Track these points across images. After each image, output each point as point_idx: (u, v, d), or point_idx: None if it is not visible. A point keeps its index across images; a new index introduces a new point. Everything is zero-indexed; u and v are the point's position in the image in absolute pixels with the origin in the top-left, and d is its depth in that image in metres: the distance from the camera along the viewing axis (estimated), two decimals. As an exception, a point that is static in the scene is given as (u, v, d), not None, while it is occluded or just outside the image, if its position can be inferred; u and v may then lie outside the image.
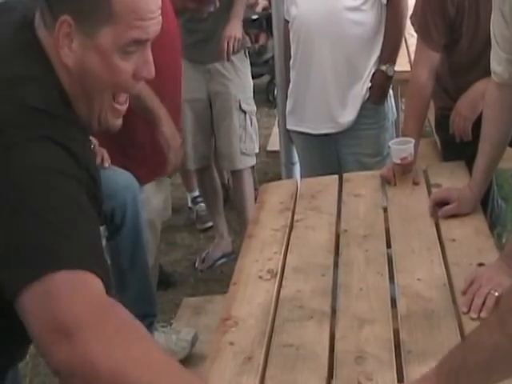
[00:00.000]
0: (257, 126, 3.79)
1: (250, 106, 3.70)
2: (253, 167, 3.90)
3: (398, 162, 2.43)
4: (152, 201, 2.83)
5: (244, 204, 3.77)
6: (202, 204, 4.21)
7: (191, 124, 3.59)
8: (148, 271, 2.64)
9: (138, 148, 2.74)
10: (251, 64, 3.84)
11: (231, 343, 1.71)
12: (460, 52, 2.59)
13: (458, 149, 2.62)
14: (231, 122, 3.64)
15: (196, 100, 3.58)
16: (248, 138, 3.69)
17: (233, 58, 3.56)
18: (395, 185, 2.44)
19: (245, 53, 3.70)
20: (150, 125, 2.61)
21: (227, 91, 3.60)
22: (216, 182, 3.94)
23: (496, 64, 2.10)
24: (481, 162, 2.19)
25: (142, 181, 2.71)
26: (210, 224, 4.16)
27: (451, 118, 2.63)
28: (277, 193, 2.58)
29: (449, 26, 2.53)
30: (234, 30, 3.49)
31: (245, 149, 3.69)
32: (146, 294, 2.61)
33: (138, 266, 2.58)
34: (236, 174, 3.79)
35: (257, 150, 3.82)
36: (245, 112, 3.66)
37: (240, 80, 3.65)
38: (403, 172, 2.45)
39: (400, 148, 2.44)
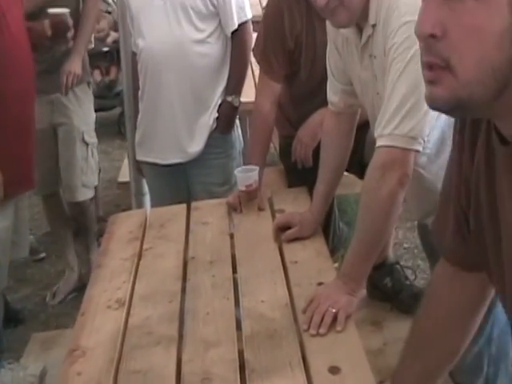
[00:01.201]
0: (97, 158, 3.82)
1: (93, 138, 3.72)
2: (92, 199, 3.91)
3: (244, 189, 2.51)
4: None
5: (87, 235, 3.83)
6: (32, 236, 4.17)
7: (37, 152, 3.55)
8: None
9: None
10: (103, 97, 3.85)
11: (79, 373, 1.70)
12: (300, 82, 2.72)
13: (301, 175, 2.74)
14: (74, 154, 3.64)
15: (40, 130, 3.52)
16: (89, 170, 3.72)
17: (76, 89, 3.57)
18: (241, 211, 2.51)
19: (88, 85, 3.73)
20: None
21: (71, 122, 3.60)
22: (63, 212, 3.89)
23: (332, 94, 2.23)
24: (320, 187, 2.30)
25: None
26: (42, 255, 4.20)
27: (293, 145, 2.75)
28: (126, 223, 2.59)
29: (288, 57, 2.66)
30: (73, 65, 3.49)
31: (86, 181, 3.72)
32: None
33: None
34: (77, 205, 3.78)
35: (96, 183, 3.87)
36: (87, 144, 3.67)
37: (83, 112, 3.67)
38: (249, 199, 2.53)
39: (245, 176, 2.52)
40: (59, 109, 3.58)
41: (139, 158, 3.20)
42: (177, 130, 3.02)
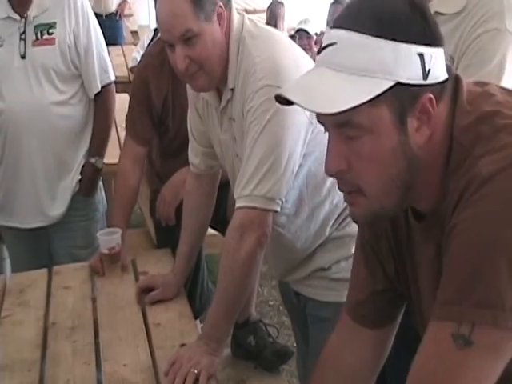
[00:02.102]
0: None
1: None
2: None
3: (106, 251, 2.50)
4: None
5: None
6: None
7: None
8: None
9: None
10: None
11: None
12: (168, 139, 2.77)
13: (168, 231, 2.74)
14: None
15: None
16: None
17: None
18: (103, 274, 2.49)
19: None
20: None
21: None
22: None
23: (194, 156, 2.27)
24: (182, 248, 2.32)
25: None
26: None
27: (157, 203, 2.76)
28: (-17, 290, 2.51)
29: (157, 120, 2.70)
30: None
31: None
32: None
33: None
34: None
35: None
36: None
37: None
38: (111, 261, 2.51)
39: (107, 238, 2.51)
40: None
41: (-1, 222, 3.11)
42: (38, 193, 2.97)
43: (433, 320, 1.12)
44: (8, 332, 2.18)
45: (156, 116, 2.72)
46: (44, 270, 2.62)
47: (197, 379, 1.79)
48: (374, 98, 1.09)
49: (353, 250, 2.06)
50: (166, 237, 2.77)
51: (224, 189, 2.39)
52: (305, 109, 1.13)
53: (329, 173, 1.18)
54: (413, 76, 1.11)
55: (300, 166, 1.92)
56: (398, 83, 1.10)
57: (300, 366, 2.45)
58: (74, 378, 1.88)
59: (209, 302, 2.97)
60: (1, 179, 3.03)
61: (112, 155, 3.31)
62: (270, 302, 3.85)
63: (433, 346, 1.12)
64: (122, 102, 3.27)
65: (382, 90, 1.09)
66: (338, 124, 1.14)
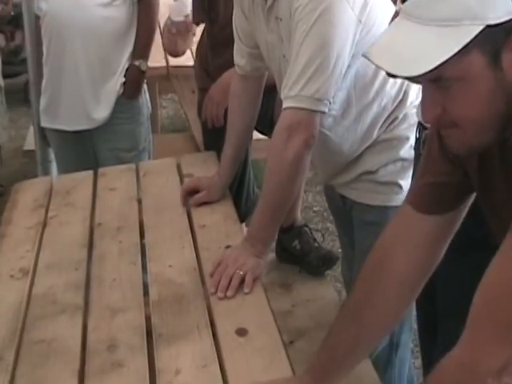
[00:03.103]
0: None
1: (2, 82, 3.91)
2: None
3: (181, 18, 2.46)
4: None
5: None
6: None
7: None
8: None
9: None
10: (8, 63, 3.85)
11: (-20, 346, 1.66)
12: (219, 27, 2.69)
13: (215, 134, 2.70)
14: None
15: None
16: (5, 112, 3.96)
17: None
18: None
19: None
20: None
21: None
22: None
23: (239, 57, 2.21)
24: (228, 150, 2.29)
25: None
26: None
27: (204, 103, 2.71)
28: (31, 191, 2.52)
29: (207, 4, 2.67)
30: None
31: (5, 123, 3.98)
32: None
33: None
34: None
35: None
36: (0, 89, 3.88)
37: None
38: (186, 29, 2.48)
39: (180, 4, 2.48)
40: None
41: (44, 124, 3.12)
42: (83, 96, 2.95)
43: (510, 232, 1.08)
44: (55, 232, 2.20)
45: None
46: (90, 172, 2.62)
47: (242, 281, 1.78)
48: (463, 48, 1.04)
49: (401, 153, 2.03)
50: (212, 139, 2.73)
51: (271, 92, 2.33)
52: (394, 77, 1.11)
53: (426, 120, 1.18)
54: (501, 14, 1.05)
55: (348, 66, 1.86)
56: (487, 26, 1.04)
57: (345, 272, 2.43)
58: (120, 277, 1.89)
59: (254, 206, 2.95)
60: (46, 81, 3.03)
61: (156, 59, 3.27)
62: (315, 208, 3.83)
63: (509, 260, 1.09)
64: (164, 5, 3.20)
65: (470, 37, 1.05)
66: (430, 79, 1.10)
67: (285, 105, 1.86)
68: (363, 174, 2.06)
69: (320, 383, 1.40)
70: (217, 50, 2.77)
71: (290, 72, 1.85)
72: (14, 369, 1.56)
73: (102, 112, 2.98)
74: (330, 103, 1.84)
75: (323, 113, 1.85)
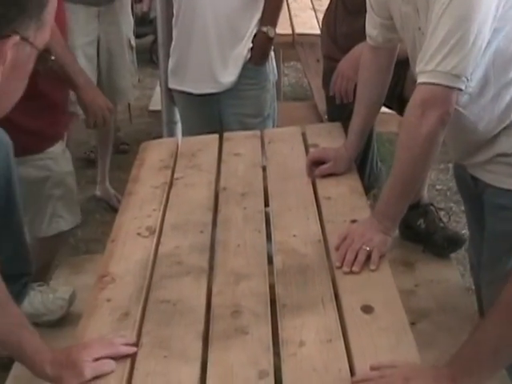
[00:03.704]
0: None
1: (134, 42, 3.97)
2: None
3: None
4: (60, 161, 2.79)
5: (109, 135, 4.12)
6: None
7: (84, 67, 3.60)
8: (23, 229, 2.57)
9: (52, 109, 2.75)
10: (135, 23, 3.95)
11: (108, 300, 1.70)
12: None
13: (340, 105, 2.66)
14: (124, 58, 3.85)
15: (89, 43, 3.68)
16: (135, 71, 4.00)
17: None
18: None
19: None
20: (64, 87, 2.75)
21: (119, 30, 3.79)
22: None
23: (371, 28, 2.15)
24: (355, 123, 2.24)
25: (54, 139, 2.78)
26: None
27: (333, 78, 2.67)
28: (157, 151, 2.56)
29: None
30: None
31: (135, 82, 4.05)
32: (21, 252, 2.54)
33: (12, 224, 2.50)
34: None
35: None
36: (132, 48, 3.91)
37: (128, 18, 3.90)
38: None
39: None
40: (107, 18, 3.71)
41: (171, 86, 3.15)
42: (210, 60, 2.96)
43: None
44: (180, 193, 2.22)
45: None
46: (215, 136, 2.63)
47: (368, 257, 1.74)
48: None
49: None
50: (337, 111, 2.69)
51: (402, 66, 2.26)
52: None
53: None
54: None
55: (488, 42, 1.77)
56: None
57: (472, 256, 2.35)
58: (244, 243, 1.89)
59: (377, 181, 2.91)
60: (175, 43, 3.06)
61: (282, 26, 3.24)
62: (438, 187, 3.73)
63: None
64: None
65: None
66: None
67: (420, 80, 1.79)
68: (498, 155, 1.97)
69: (459, 379, 1.32)
70: (346, 19, 2.72)
71: (426, 46, 1.78)
72: (141, 326, 1.59)
73: (229, 76, 2.98)
74: (467, 80, 1.77)
75: (460, 90, 1.77)
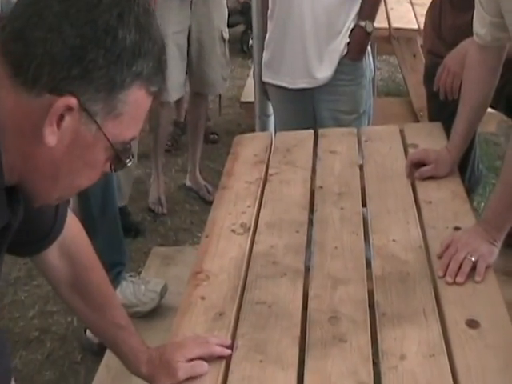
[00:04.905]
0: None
1: (227, 34, 3.97)
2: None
3: None
4: None
5: (201, 124, 4.09)
6: None
7: (174, 56, 3.64)
8: (118, 219, 2.59)
9: None
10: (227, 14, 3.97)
11: (202, 297, 1.68)
12: None
13: (442, 103, 2.57)
14: (214, 50, 3.86)
15: (180, 32, 3.70)
16: (226, 64, 3.99)
17: None
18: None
19: None
20: None
21: (211, 22, 3.80)
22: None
23: (479, 26, 2.06)
24: (460, 124, 2.16)
25: None
26: None
27: (438, 73, 2.57)
28: (251, 145, 2.53)
29: None
30: None
31: (225, 75, 4.00)
32: (116, 242, 2.57)
33: (108, 213, 2.53)
34: (203, 97, 4.08)
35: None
36: (224, 40, 3.90)
37: (222, 10, 3.91)
38: None
39: None
40: (200, 9, 3.74)
41: (265, 79, 3.11)
42: (306, 54, 2.91)
43: None
44: (275, 190, 2.19)
45: None
46: (310, 132, 2.58)
47: (473, 268, 1.67)
48: None
49: None
50: (439, 109, 2.60)
51: (511, 65, 2.17)
52: None
53: None
54: None
55: None
56: None
57: None
58: (342, 245, 1.84)
59: (478, 183, 2.81)
60: (270, 35, 3.02)
61: (378, 20, 3.16)
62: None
63: None
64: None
65: None
66: None
67: None
68: None
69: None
70: (451, 12, 2.62)
71: None
72: (235, 327, 1.56)
73: (324, 71, 2.92)
74: None
75: None
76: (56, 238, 1.36)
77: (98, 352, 2.27)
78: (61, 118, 0.99)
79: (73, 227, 1.40)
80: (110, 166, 1.10)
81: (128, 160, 1.10)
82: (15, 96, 0.99)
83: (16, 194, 1.10)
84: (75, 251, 1.41)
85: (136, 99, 1.04)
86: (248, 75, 4.64)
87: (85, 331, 2.62)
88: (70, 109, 0.99)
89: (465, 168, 2.63)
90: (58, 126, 1.00)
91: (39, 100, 0.99)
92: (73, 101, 0.99)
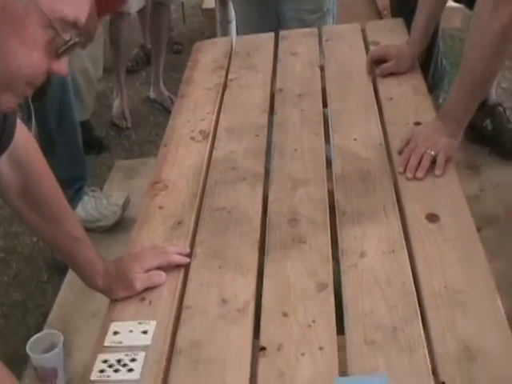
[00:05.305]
0: None
1: None
2: None
3: None
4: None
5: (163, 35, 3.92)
6: None
7: None
8: (77, 133, 2.53)
9: None
10: None
11: (160, 207, 1.65)
12: None
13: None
14: None
15: None
16: None
17: None
18: None
19: None
20: None
21: None
22: None
23: None
24: (419, 18, 2.10)
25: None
26: None
27: None
28: (211, 51, 2.46)
29: None
30: None
31: None
32: (76, 156, 2.51)
33: (66, 127, 2.47)
34: (164, 6, 3.87)
35: None
36: None
37: None
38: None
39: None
40: None
41: (227, -20, 3.01)
42: None
43: None
44: (235, 95, 2.13)
45: None
46: (271, 34, 2.51)
47: (433, 162, 1.64)
48: None
49: None
50: (400, 5, 2.53)
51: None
52: None
53: None
54: None
55: None
56: None
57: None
58: (301, 147, 1.80)
59: (442, 79, 2.77)
60: None
61: None
62: (503, 85, 3.53)
63: None
64: None
65: None
66: None
67: None
68: None
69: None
70: None
71: None
72: (194, 235, 1.54)
73: None
74: None
75: None
76: (6, 147, 1.30)
77: (64, 270, 2.25)
78: None
79: (22, 136, 1.35)
80: (56, 51, 1.02)
81: (72, 42, 1.02)
82: None
83: None
84: (25, 159, 1.36)
85: None
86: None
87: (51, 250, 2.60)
88: None
89: (428, 65, 2.59)
90: None
91: None
92: None
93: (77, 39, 1.02)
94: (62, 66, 1.05)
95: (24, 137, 1.36)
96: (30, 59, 1.00)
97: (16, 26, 0.97)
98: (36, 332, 1.96)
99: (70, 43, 1.01)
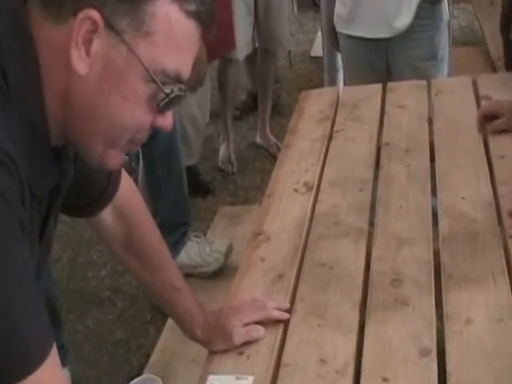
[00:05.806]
0: None
1: None
2: None
3: None
4: (191, 95, 2.76)
5: (270, 81, 4.07)
6: None
7: (240, 11, 3.61)
8: (183, 179, 2.57)
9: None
10: None
11: (262, 259, 1.64)
12: None
13: None
14: (282, 5, 3.84)
15: None
16: (295, 19, 4.19)
17: None
18: None
19: None
20: None
21: None
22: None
23: None
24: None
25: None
26: None
27: None
28: (317, 101, 2.46)
29: None
30: None
31: (291, 31, 4.12)
32: (181, 202, 2.55)
33: (173, 174, 2.51)
34: (271, 54, 4.00)
35: None
36: None
37: None
38: None
39: None
40: None
41: (340, 30, 3.00)
42: (383, 2, 2.78)
43: None
44: (340, 147, 2.12)
45: None
46: (378, 85, 2.49)
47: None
48: None
49: None
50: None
51: None
52: None
53: None
54: None
55: None
56: None
57: None
58: (407, 203, 1.76)
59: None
60: None
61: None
62: None
63: None
64: None
65: None
66: None
67: None
68: None
69: None
70: None
71: None
72: (295, 290, 1.52)
73: (402, 19, 2.80)
74: None
75: None
76: (111, 199, 1.33)
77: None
78: (89, 42, 0.92)
79: (127, 187, 1.38)
80: (157, 105, 0.99)
81: (173, 94, 0.98)
82: (46, 31, 0.93)
83: (65, 154, 1.07)
84: (129, 211, 1.38)
85: (167, 14, 0.93)
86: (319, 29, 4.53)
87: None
88: (94, 27, 0.91)
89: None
90: (88, 52, 0.93)
91: (66, 26, 0.92)
92: (94, 14, 0.91)
93: (179, 93, 0.99)
94: (166, 120, 1.03)
95: (128, 188, 1.38)
96: (133, 114, 0.98)
97: (118, 80, 0.95)
98: (138, 372, 1.99)
99: (171, 96, 0.98)
